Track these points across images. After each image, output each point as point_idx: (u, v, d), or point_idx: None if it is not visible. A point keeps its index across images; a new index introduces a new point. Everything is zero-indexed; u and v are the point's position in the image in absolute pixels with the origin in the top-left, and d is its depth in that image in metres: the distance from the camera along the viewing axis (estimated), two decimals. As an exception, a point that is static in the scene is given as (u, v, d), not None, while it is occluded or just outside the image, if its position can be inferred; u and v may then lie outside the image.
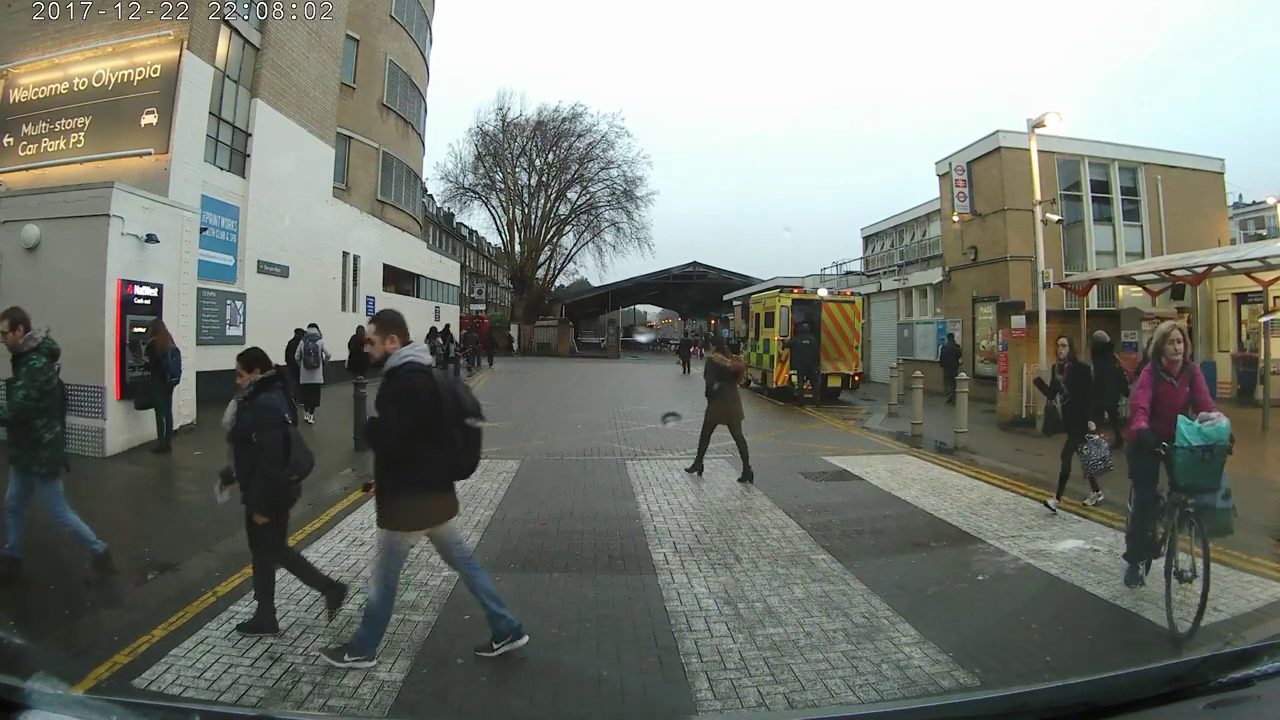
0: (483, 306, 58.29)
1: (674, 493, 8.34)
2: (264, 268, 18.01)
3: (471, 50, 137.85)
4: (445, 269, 34.79)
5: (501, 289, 67.30)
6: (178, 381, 11.22)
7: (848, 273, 31.94)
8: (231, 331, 16.86)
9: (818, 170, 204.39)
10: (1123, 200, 20.56)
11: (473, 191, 52.01)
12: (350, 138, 24.92)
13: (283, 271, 18.69)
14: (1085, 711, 1.67)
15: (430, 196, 56.08)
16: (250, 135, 17.55)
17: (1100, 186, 20.52)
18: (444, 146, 61.90)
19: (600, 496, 8.26)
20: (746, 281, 47.47)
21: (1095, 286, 16.19)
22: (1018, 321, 13.84)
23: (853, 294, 20.08)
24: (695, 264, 53.50)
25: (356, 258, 23.28)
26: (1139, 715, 1.64)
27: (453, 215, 59.71)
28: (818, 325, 18.53)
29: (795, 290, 19.63)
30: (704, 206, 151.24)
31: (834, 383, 18.78)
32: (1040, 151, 19.53)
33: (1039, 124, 13.30)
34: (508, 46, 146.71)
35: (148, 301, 11.69)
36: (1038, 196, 13.76)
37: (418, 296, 30.18)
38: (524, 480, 8.71)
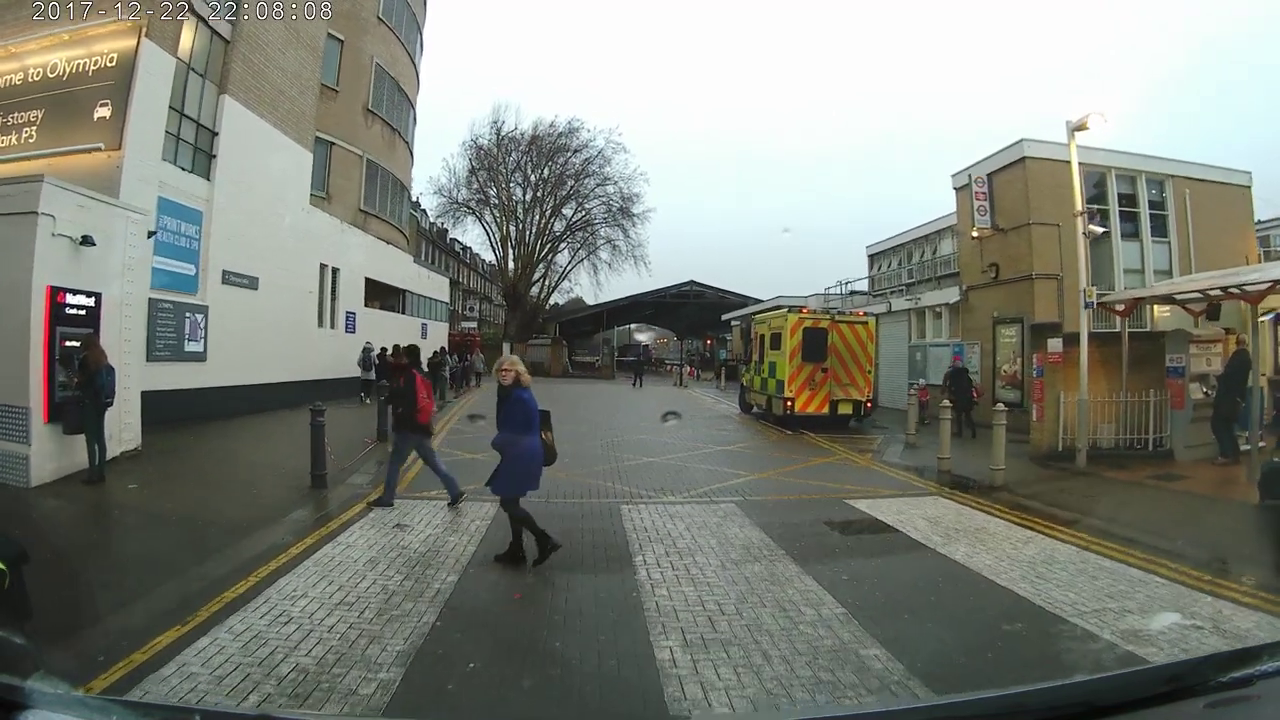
0: (474, 324, 56.89)
1: (678, 551, 6.88)
2: (230, 279, 16.63)
3: (467, 64, 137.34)
4: (434, 284, 33.39)
5: (496, 306, 65.98)
6: (110, 403, 9.84)
7: (853, 292, 30.62)
8: (191, 347, 15.50)
9: (820, 188, 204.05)
10: (1150, 214, 19.34)
11: (466, 207, 50.92)
12: (332, 143, 23.62)
13: (251, 283, 17.31)
14: (1085, 711, 1.66)
15: (423, 211, 55.11)
16: (217, 134, 16.26)
17: (1127, 200, 19.30)
18: (438, 161, 60.65)
19: (591, 557, 6.80)
20: (745, 301, 46.29)
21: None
22: (1054, 345, 12.49)
23: (865, 314, 18.65)
24: (692, 283, 52.35)
25: (336, 270, 21.89)
26: (1139, 715, 1.63)
27: (446, 231, 58.62)
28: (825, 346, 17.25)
29: (803, 310, 18.24)
30: (701, 225, 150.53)
31: (844, 410, 17.43)
32: (1063, 162, 18.40)
33: (1080, 126, 12.03)
34: (504, 61, 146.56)
35: (82, 312, 10.37)
36: (1079, 207, 12.48)
37: (403, 313, 28.80)
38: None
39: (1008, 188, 18.46)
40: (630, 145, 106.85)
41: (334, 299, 21.89)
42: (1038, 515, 8.76)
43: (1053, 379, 12.52)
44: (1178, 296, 13.99)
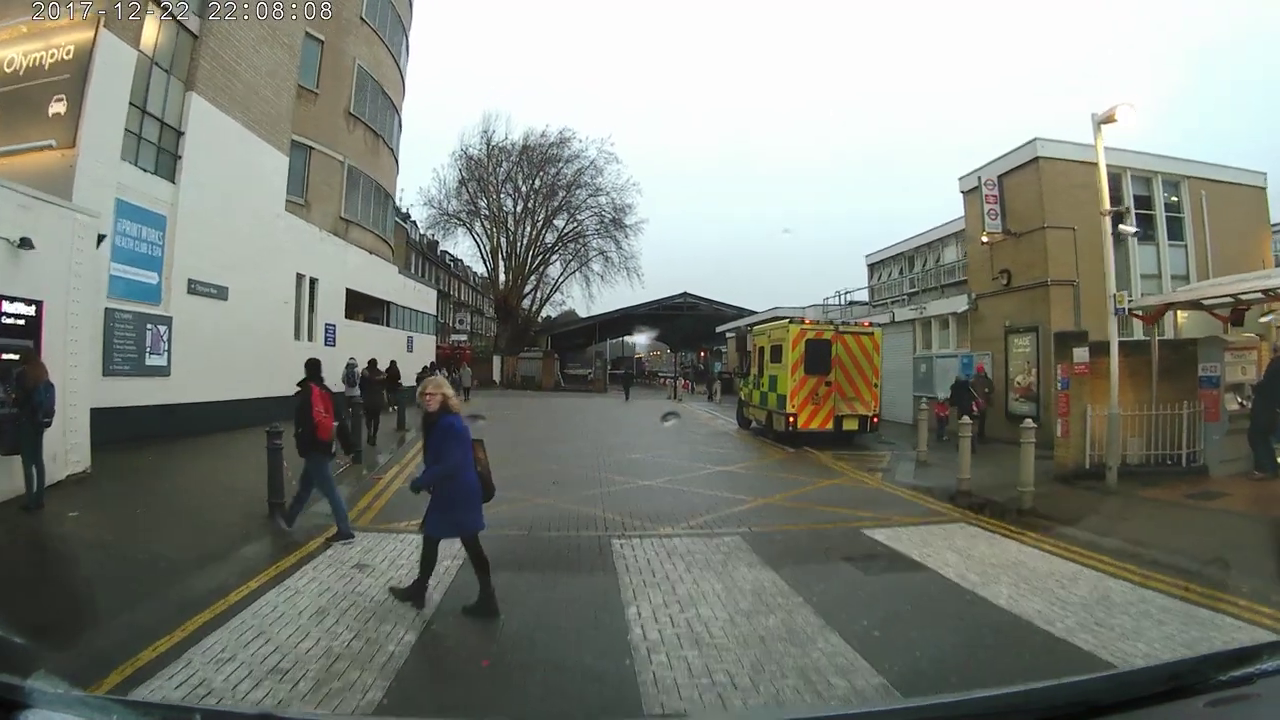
0: (465, 336, 55.95)
1: (679, 600, 5.83)
2: (197, 288, 15.66)
3: (457, 74, 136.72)
4: (420, 296, 32.35)
5: (488, 319, 65.11)
6: (49, 423, 8.83)
7: (852, 303, 29.79)
8: (153, 361, 14.52)
9: (815, 199, 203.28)
10: (1165, 217, 18.53)
11: (457, 218, 50.20)
12: (311, 148, 22.67)
13: (220, 293, 16.34)
14: (1085, 710, 1.66)
15: (413, 223, 54.32)
16: (183, 134, 15.34)
17: (1142, 202, 18.45)
18: (428, 172, 59.88)
19: (576, 610, 5.77)
20: (740, 313, 45.53)
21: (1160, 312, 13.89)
22: (1081, 354, 11.56)
23: (871, 324, 17.69)
24: (686, 295, 51.69)
25: (314, 281, 20.90)
26: (1139, 714, 1.63)
27: (437, 243, 57.84)
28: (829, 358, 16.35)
29: (805, 320, 17.32)
30: (695, 237, 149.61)
31: (850, 426, 16.48)
32: (1079, 162, 17.61)
33: (1108, 119, 11.12)
34: (495, 69, 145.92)
35: (21, 322, 9.46)
36: (1106, 205, 11.55)
37: (388, 325, 27.78)
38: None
39: (1020, 190, 17.60)
40: (623, 155, 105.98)
41: (312, 311, 20.89)
42: (1077, 544, 7.82)
43: (1079, 391, 11.60)
44: (1206, 301, 13.13)
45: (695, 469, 13.18)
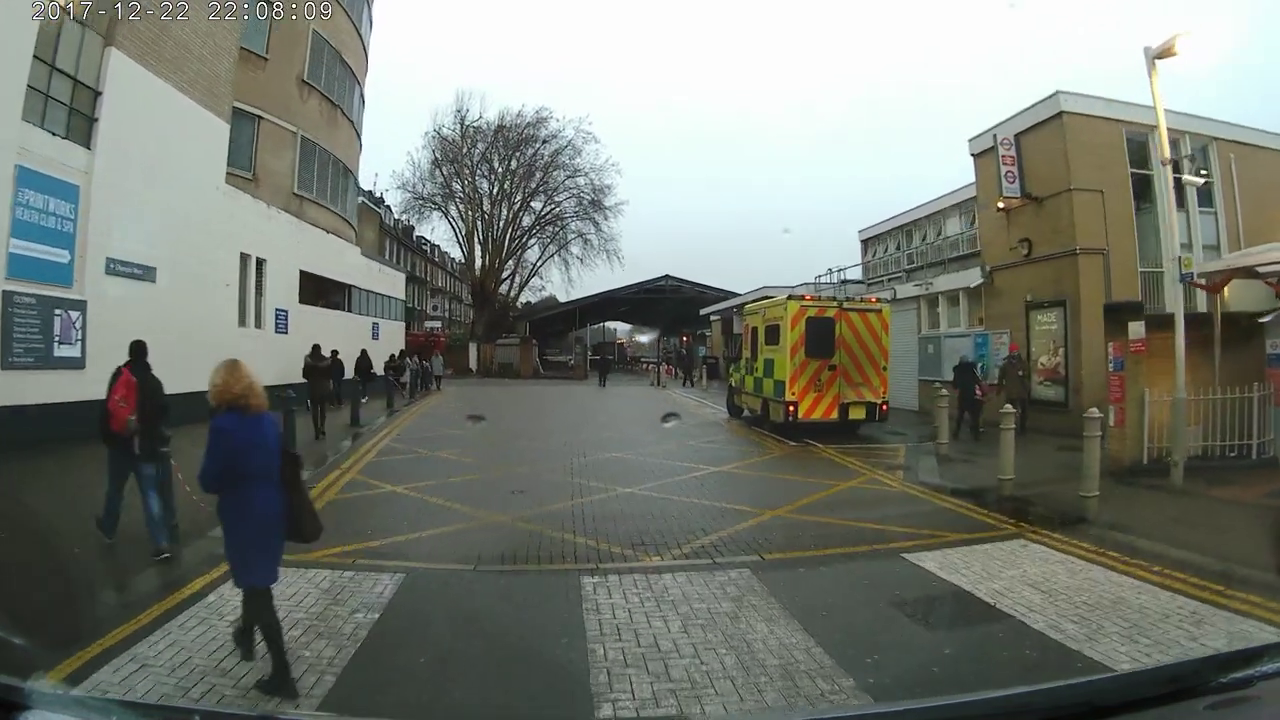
0: (438, 323, 53.94)
1: (672, 687, 4.01)
2: (117, 268, 13.73)
3: (429, 53, 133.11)
4: (386, 280, 30.26)
5: (466, 306, 63.09)
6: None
7: (845, 281, 27.99)
8: (63, 352, 12.63)
9: (801, 176, 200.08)
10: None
11: (431, 202, 48.04)
12: (259, 117, 20.59)
13: (147, 274, 14.37)
14: (1085, 711, 1.63)
15: (388, 207, 52.29)
16: (100, 94, 13.33)
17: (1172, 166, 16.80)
18: (403, 156, 57.78)
19: (523, 686, 4.02)
20: (723, 296, 43.76)
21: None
22: (1136, 330, 9.86)
23: (879, 300, 15.81)
24: (667, 277, 49.86)
25: (262, 261, 18.88)
26: (1139, 715, 1.60)
27: (413, 228, 55.79)
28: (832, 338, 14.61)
29: (806, 297, 15.46)
30: (677, 218, 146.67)
31: (856, 414, 14.72)
32: (1104, 119, 15.98)
33: (1165, 52, 9.39)
34: (467, 48, 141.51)
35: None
36: (1166, 154, 9.83)
37: (349, 311, 25.77)
38: (388, 639, 4.55)
39: (1040, 149, 15.88)
40: (601, 134, 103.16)
41: (260, 294, 18.88)
42: (1174, 566, 6.13)
43: (1135, 373, 9.92)
44: (1261, 269, 11.48)
45: (685, 471, 11.27)
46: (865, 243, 29.27)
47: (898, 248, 26.35)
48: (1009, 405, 9.92)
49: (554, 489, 9.60)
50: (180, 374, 15.13)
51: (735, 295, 40.46)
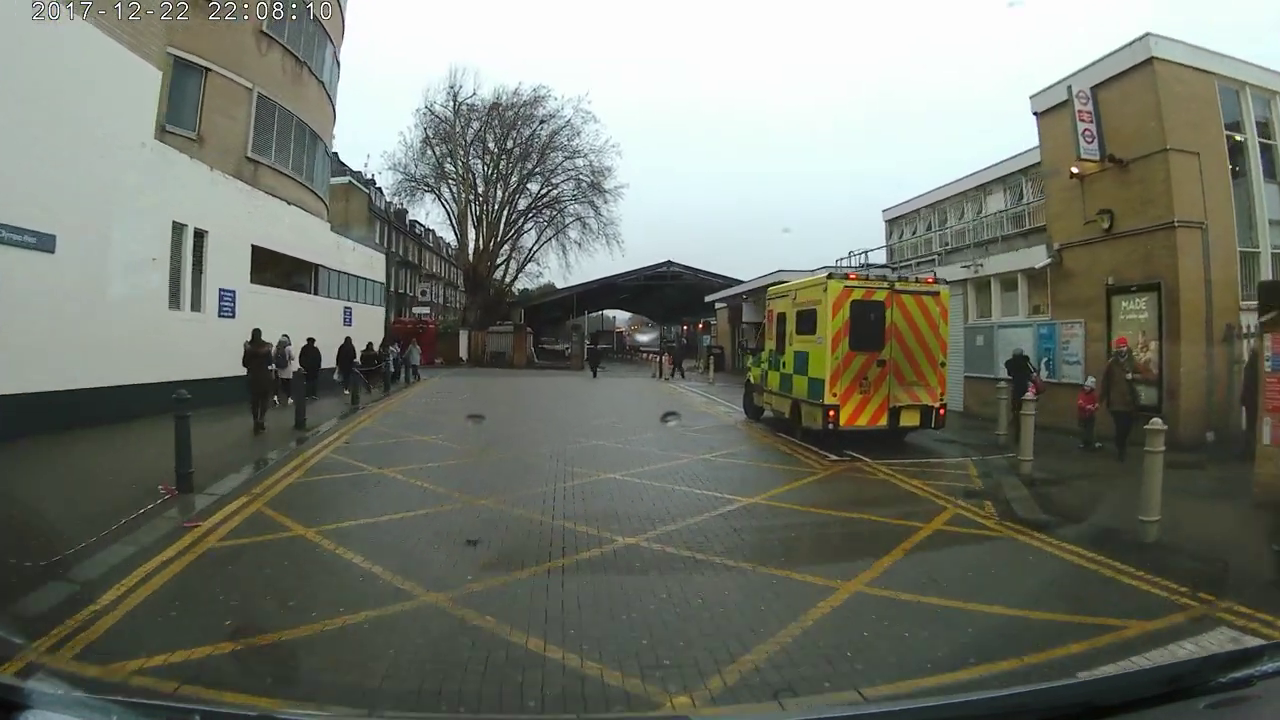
0: (427, 309, 51.26)
1: None
2: (1, 235, 11.04)
3: (422, 26, 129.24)
4: (361, 260, 27.42)
5: (461, 292, 60.45)
6: None
7: (869, 265, 25.26)
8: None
9: (814, 158, 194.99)
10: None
11: (424, 183, 45.55)
12: (207, 69, 17.80)
13: (43, 243, 11.73)
14: (1085, 711, 1.59)
15: (379, 189, 49.68)
16: (-15, 26, 10.69)
17: (1262, 130, 14.13)
18: (395, 136, 54.97)
19: None
20: (728, 283, 41.34)
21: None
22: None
23: (936, 281, 12.95)
24: (669, 263, 47.43)
25: (202, 233, 16.15)
26: (1139, 715, 1.57)
27: (405, 212, 53.12)
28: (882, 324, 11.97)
29: (850, 275, 12.62)
30: (681, 201, 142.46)
31: (909, 420, 12.07)
32: (1197, 70, 13.35)
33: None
34: (461, 20, 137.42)
35: None
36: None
37: (315, 293, 23.00)
38: None
39: (1125, 104, 13.18)
40: (601, 114, 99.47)
41: (199, 271, 16.16)
42: None
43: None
44: None
45: (703, 507, 8.09)
46: (890, 223, 26.60)
47: (929, 227, 23.67)
48: (1157, 420, 7.14)
49: (524, 538, 6.83)
50: (99, 364, 12.63)
51: (740, 282, 38.03)
